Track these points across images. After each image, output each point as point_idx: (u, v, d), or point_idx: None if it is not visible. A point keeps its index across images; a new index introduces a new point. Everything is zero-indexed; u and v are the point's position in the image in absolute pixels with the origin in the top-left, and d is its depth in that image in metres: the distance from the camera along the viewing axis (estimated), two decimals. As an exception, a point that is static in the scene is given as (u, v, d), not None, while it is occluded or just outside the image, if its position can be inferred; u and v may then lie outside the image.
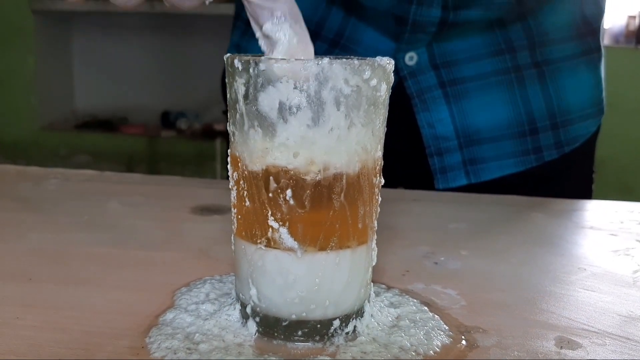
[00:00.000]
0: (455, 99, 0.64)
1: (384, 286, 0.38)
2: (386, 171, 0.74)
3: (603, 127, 0.70)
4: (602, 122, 0.70)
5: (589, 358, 0.30)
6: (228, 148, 0.32)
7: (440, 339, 0.31)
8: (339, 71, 0.28)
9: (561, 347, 0.31)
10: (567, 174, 0.68)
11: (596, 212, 0.57)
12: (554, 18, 0.65)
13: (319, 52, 0.65)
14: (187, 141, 2.47)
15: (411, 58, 0.63)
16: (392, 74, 0.31)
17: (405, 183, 0.73)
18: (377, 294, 0.36)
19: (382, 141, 0.31)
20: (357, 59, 0.31)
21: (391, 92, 0.67)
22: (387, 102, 0.31)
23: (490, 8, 0.60)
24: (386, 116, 0.31)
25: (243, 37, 0.70)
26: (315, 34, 0.65)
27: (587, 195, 0.71)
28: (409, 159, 0.69)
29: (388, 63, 0.30)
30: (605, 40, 2.55)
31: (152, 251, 0.43)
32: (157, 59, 2.60)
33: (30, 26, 2.41)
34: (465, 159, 0.65)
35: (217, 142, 2.37)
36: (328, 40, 0.65)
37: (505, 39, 0.63)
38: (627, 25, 2.54)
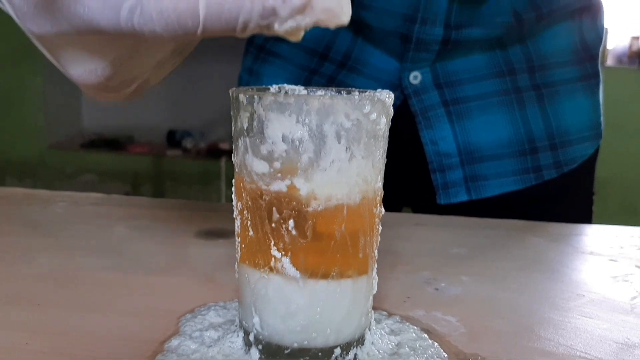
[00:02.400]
0: (457, 117, 0.65)
1: (385, 313, 0.38)
2: (390, 187, 0.75)
3: (607, 147, 0.71)
4: (605, 142, 0.71)
5: (586, 386, 0.31)
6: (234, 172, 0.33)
7: (439, 366, 0.32)
8: (340, 106, 0.29)
9: (559, 375, 0.32)
10: (566, 194, 0.69)
11: (596, 236, 0.58)
12: (553, 42, 0.66)
13: (326, 73, 0.67)
14: (192, 160, 2.49)
15: (415, 77, 0.64)
16: (392, 107, 0.32)
17: (408, 198, 0.74)
18: (378, 321, 0.37)
19: (382, 172, 0.32)
20: (359, 91, 0.33)
21: (397, 109, 0.69)
22: (386, 134, 0.32)
23: (490, 27, 0.61)
24: (386, 148, 0.32)
25: (255, 61, 0.72)
26: (324, 56, 0.67)
27: (587, 216, 0.72)
28: (412, 175, 0.70)
29: (387, 97, 0.31)
30: (609, 61, 2.57)
31: (158, 276, 0.44)
32: (163, 79, 2.62)
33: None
34: (467, 175, 0.66)
35: (222, 161, 2.39)
36: (336, 62, 0.67)
37: (506, 61, 0.65)
38: (631, 46, 2.56)
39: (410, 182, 0.72)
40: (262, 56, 0.71)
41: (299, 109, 0.28)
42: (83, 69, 0.28)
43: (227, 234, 0.54)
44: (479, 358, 0.33)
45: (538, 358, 0.34)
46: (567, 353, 0.34)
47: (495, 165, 0.67)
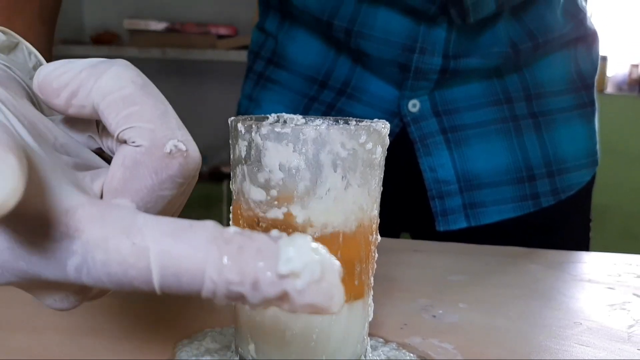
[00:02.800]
0: (456, 144, 0.66)
1: (381, 340, 0.38)
2: (389, 213, 0.75)
3: (606, 174, 0.72)
4: (605, 168, 0.72)
5: (582, 416, 0.31)
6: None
7: (434, 394, 0.32)
8: (336, 136, 0.29)
9: (554, 405, 0.32)
10: (564, 221, 0.69)
11: (593, 264, 0.58)
12: (549, 71, 0.67)
13: (326, 101, 0.68)
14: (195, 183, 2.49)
15: (414, 105, 0.65)
16: (388, 136, 0.32)
17: (407, 225, 0.75)
18: (375, 348, 0.37)
19: (378, 200, 0.33)
20: (355, 121, 0.33)
21: (395, 137, 0.69)
22: (382, 163, 0.32)
23: (488, 57, 0.62)
24: (382, 176, 0.33)
25: (255, 87, 0.73)
26: (323, 83, 0.68)
27: (585, 243, 0.72)
28: (411, 201, 0.70)
29: (383, 127, 0.31)
30: (609, 88, 2.59)
31: (156, 302, 0.44)
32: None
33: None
34: (466, 202, 0.66)
35: (224, 185, 2.39)
36: (336, 90, 0.68)
37: (503, 90, 0.66)
38: (630, 73, 2.58)
39: (409, 209, 0.72)
40: (262, 83, 0.72)
41: (296, 138, 0.29)
42: (53, 299, 0.25)
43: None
44: (475, 386, 0.33)
45: (534, 387, 0.34)
46: (563, 382, 0.34)
47: (494, 192, 0.67)
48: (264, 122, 0.30)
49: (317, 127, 0.29)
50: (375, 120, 0.32)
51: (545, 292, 0.49)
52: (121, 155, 0.24)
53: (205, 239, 0.19)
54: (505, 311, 0.45)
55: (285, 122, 0.34)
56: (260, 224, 0.31)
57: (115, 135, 0.24)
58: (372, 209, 0.32)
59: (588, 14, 0.70)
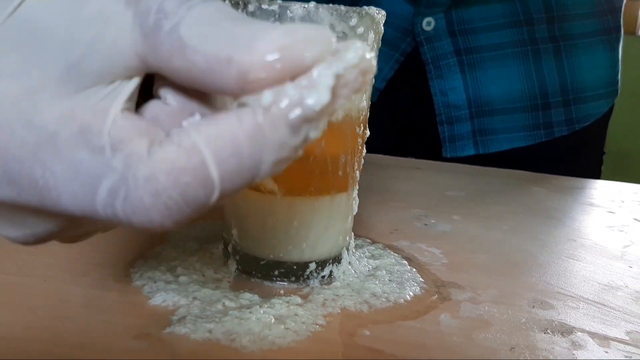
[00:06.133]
0: (470, 68, 0.64)
1: (369, 240, 0.39)
2: (396, 136, 0.74)
3: (633, 120, 0.69)
4: (631, 113, 0.69)
5: (559, 318, 0.31)
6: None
7: (413, 289, 0.32)
8: (325, 16, 0.28)
9: (533, 307, 0.32)
10: (576, 152, 0.68)
11: (599, 190, 0.57)
12: None
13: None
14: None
15: (429, 23, 0.63)
16: (383, 26, 0.31)
17: (414, 150, 0.74)
18: (360, 246, 0.37)
19: (369, 92, 0.32)
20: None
21: (407, 57, 0.67)
22: (375, 53, 0.31)
23: None
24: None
25: None
26: None
27: (596, 176, 0.70)
28: (419, 125, 0.69)
29: (377, 13, 0.30)
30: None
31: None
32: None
33: None
34: (475, 129, 0.65)
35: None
36: (347, 2, 0.65)
37: (524, 10, 0.63)
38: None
39: (417, 133, 0.71)
40: None
41: (283, 16, 0.28)
42: (20, 233, 0.19)
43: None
44: (456, 286, 0.33)
45: (516, 290, 0.34)
46: (547, 289, 0.34)
47: (505, 119, 0.65)
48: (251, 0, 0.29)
49: (306, 6, 0.28)
50: (371, 7, 0.31)
51: (545, 212, 0.49)
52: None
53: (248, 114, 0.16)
54: (499, 225, 0.45)
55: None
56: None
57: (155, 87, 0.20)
58: (361, 100, 0.31)
59: None
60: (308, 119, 0.16)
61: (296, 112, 0.16)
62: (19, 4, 0.17)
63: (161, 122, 0.18)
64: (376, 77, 0.33)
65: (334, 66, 0.16)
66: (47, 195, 0.17)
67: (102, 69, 0.17)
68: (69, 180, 0.17)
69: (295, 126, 0.16)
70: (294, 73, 0.16)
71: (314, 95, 0.16)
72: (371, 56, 0.17)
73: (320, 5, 0.28)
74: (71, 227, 0.20)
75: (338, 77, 0.16)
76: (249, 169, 0.17)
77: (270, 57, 0.16)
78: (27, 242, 0.20)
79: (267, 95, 0.16)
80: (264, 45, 0.16)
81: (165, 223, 0.17)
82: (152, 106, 0.19)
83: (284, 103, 0.16)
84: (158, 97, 0.19)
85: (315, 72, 0.16)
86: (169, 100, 0.19)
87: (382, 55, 0.67)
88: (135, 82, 0.18)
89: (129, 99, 0.18)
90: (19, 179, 0.17)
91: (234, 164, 0.16)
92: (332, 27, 0.28)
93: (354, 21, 0.29)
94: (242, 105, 0.17)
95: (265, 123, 0.16)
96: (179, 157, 0.16)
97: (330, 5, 0.28)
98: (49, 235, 0.19)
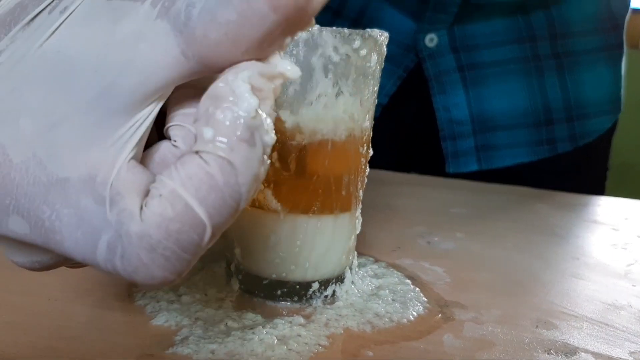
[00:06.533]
0: (472, 83, 0.64)
1: (371, 258, 0.39)
2: (399, 152, 0.74)
3: (638, 134, 0.69)
4: (636, 127, 0.69)
5: (563, 339, 0.31)
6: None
7: (416, 309, 0.32)
8: (329, 39, 0.28)
9: (536, 326, 0.32)
10: (580, 168, 0.67)
11: (603, 207, 0.57)
12: (578, 9, 0.64)
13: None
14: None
15: (431, 40, 0.63)
16: (385, 47, 0.31)
17: (417, 166, 0.74)
18: (363, 265, 0.37)
19: (372, 112, 0.32)
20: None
21: (410, 73, 0.67)
22: (378, 74, 0.31)
23: None
24: (377, 88, 0.32)
25: None
26: (337, 13, 0.66)
27: (599, 191, 0.70)
28: (422, 141, 0.69)
29: (380, 35, 0.30)
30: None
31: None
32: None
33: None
34: (478, 144, 0.65)
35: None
36: (350, 19, 0.66)
37: (527, 27, 0.63)
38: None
39: (420, 149, 0.71)
40: None
41: (287, 38, 0.28)
42: (27, 260, 0.20)
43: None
44: (460, 305, 0.33)
45: (520, 310, 0.34)
46: (551, 308, 0.34)
47: (508, 135, 0.65)
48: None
49: (309, 29, 0.28)
50: (375, 29, 0.31)
51: (547, 229, 0.49)
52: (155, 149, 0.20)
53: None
54: (503, 242, 0.45)
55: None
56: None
57: (165, 128, 0.20)
58: (364, 120, 0.31)
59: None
60: (252, 127, 0.17)
61: (240, 128, 0.17)
62: (50, 35, 0.17)
63: (169, 165, 0.18)
64: (379, 92, 0.33)
65: (239, 75, 0.17)
66: (52, 237, 0.17)
67: (136, 87, 0.17)
68: (73, 227, 0.17)
69: (248, 140, 0.17)
70: None
71: (242, 104, 0.17)
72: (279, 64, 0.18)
73: (323, 28, 0.28)
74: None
75: (250, 81, 0.17)
76: (231, 196, 0.17)
77: None
78: (33, 269, 0.20)
79: (207, 132, 0.17)
80: None
81: (167, 276, 0.17)
82: (162, 147, 0.19)
83: (224, 127, 0.17)
84: (168, 137, 0.19)
85: (230, 87, 0.17)
86: (178, 143, 0.19)
87: (385, 71, 0.67)
88: (148, 122, 0.18)
89: (139, 142, 0.18)
90: (27, 217, 0.17)
91: (215, 197, 0.17)
92: (335, 49, 0.29)
93: (357, 43, 0.29)
94: (196, 148, 0.17)
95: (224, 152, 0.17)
96: (164, 207, 0.16)
97: (334, 27, 0.29)
98: (56, 264, 0.19)
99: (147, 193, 0.17)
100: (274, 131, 0.18)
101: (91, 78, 0.17)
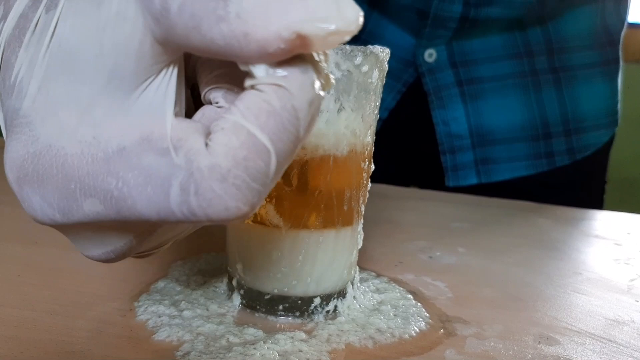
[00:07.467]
0: (471, 98, 0.64)
1: (373, 273, 0.38)
2: (399, 166, 0.74)
3: (637, 148, 0.70)
4: (635, 142, 0.69)
5: (565, 355, 0.31)
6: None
7: (418, 324, 0.32)
8: (330, 55, 0.29)
9: (539, 342, 0.32)
10: (578, 182, 0.68)
11: (604, 221, 0.57)
12: (575, 25, 0.65)
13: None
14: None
15: (430, 55, 0.64)
16: (387, 63, 0.31)
17: (417, 180, 0.74)
18: (365, 280, 0.37)
19: (373, 128, 0.32)
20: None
21: (409, 88, 0.68)
22: (379, 90, 0.32)
23: (511, 6, 0.60)
24: (378, 104, 0.32)
25: None
26: None
27: (598, 205, 0.70)
28: (422, 155, 0.69)
29: (381, 51, 0.30)
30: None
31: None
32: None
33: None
34: (477, 158, 0.65)
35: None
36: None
37: (524, 42, 0.64)
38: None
39: (420, 163, 0.71)
40: None
41: (289, 54, 0.28)
42: (102, 251, 0.21)
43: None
44: (462, 320, 0.33)
45: (522, 325, 0.33)
46: (553, 324, 0.34)
47: (507, 149, 0.66)
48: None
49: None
50: (376, 46, 0.31)
51: (549, 244, 0.49)
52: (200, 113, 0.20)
53: None
54: (504, 257, 0.44)
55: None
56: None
57: (202, 95, 0.21)
58: (366, 136, 0.31)
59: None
60: (302, 55, 0.17)
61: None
62: (54, 31, 0.18)
63: None
64: (379, 107, 0.33)
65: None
66: (124, 204, 0.17)
67: (135, 68, 0.18)
68: (142, 185, 0.17)
69: (300, 66, 0.17)
70: (315, 40, 0.16)
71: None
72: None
73: (325, 44, 0.29)
74: (147, 239, 0.21)
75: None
76: (289, 121, 0.17)
77: (286, 33, 0.16)
78: (108, 259, 0.21)
79: (258, 67, 0.17)
80: (277, 22, 0.16)
81: (240, 207, 0.17)
82: (206, 111, 0.19)
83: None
84: (209, 102, 0.20)
85: None
86: (220, 102, 0.19)
87: (385, 86, 0.67)
88: (174, 80, 0.18)
89: (177, 103, 0.18)
90: (96, 193, 0.17)
91: (275, 122, 0.17)
92: (337, 65, 0.29)
93: (358, 60, 0.29)
94: (249, 84, 0.17)
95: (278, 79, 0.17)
96: (229, 137, 0.17)
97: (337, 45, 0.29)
98: (129, 250, 0.20)
99: (208, 134, 0.17)
100: (326, 56, 0.18)
101: (96, 63, 0.17)
